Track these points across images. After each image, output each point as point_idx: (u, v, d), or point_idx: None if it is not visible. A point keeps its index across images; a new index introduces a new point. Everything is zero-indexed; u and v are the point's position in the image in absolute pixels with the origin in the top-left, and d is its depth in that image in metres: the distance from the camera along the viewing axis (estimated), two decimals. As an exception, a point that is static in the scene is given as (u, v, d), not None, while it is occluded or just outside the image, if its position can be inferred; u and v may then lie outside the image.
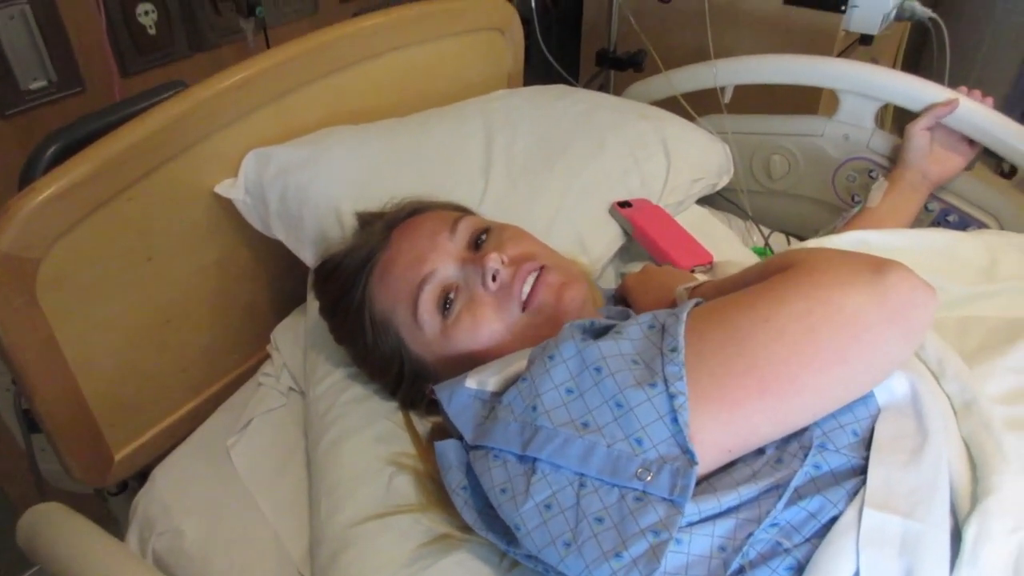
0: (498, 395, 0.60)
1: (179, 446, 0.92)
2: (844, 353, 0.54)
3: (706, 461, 0.53)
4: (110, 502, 1.01)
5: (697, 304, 0.61)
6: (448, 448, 0.62)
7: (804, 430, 0.57)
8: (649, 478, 0.51)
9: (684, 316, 0.58)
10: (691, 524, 0.53)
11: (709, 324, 0.57)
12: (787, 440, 0.57)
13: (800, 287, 0.55)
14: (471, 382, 0.63)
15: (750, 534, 0.52)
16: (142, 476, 0.94)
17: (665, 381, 0.53)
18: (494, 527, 0.59)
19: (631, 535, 0.50)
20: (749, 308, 0.56)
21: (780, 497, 0.54)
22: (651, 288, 0.84)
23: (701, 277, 0.88)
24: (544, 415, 0.55)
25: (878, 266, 0.55)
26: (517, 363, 0.63)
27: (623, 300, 0.89)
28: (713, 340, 0.55)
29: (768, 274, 0.60)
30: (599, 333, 0.61)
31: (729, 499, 0.53)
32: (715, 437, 0.54)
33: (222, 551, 0.78)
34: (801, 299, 0.54)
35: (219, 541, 0.79)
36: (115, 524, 1.00)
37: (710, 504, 0.53)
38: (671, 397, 0.53)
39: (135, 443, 0.93)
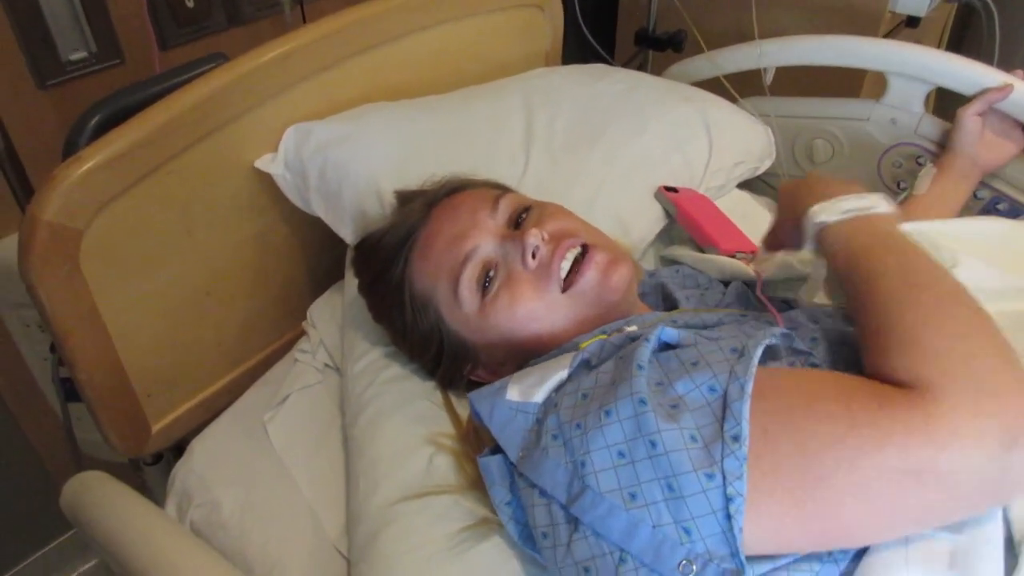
0: (541, 406, 0.59)
1: (216, 419, 0.92)
2: (928, 517, 0.49)
3: (751, 548, 0.50)
4: (145, 472, 1.02)
5: (772, 348, 0.58)
6: (492, 464, 0.61)
7: None
8: (692, 572, 0.48)
9: (749, 388, 0.51)
10: None
11: (782, 430, 0.50)
12: None
13: (908, 434, 0.46)
14: (512, 394, 0.61)
15: None
16: (178, 448, 0.94)
17: (723, 475, 0.49)
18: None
19: None
20: (836, 440, 0.48)
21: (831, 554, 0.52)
22: (800, 196, 0.72)
23: (743, 265, 0.87)
24: (592, 475, 0.52)
25: (1016, 434, 0.45)
26: (557, 372, 0.61)
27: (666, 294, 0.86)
28: (782, 451, 0.49)
29: (897, 316, 0.53)
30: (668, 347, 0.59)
31: (784, 558, 0.52)
32: (762, 542, 0.50)
33: (259, 524, 0.79)
34: (900, 453, 0.46)
35: (256, 514, 0.79)
36: (149, 494, 1.01)
37: (764, 566, 0.51)
38: (728, 499, 0.48)
39: (172, 415, 0.93)
